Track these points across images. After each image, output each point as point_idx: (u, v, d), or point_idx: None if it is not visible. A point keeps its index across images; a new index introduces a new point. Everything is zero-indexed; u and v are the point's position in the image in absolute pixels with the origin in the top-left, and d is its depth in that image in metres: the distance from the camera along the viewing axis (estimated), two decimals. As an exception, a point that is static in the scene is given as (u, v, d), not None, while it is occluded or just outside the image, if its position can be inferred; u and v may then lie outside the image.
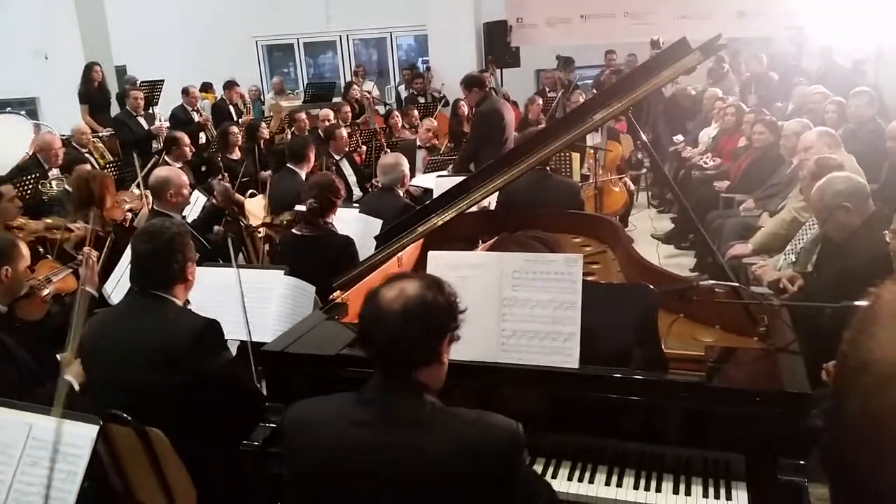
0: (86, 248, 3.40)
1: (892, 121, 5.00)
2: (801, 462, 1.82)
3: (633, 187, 6.62)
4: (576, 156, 6.07)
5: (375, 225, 3.95)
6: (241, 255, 4.65)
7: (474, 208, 3.01)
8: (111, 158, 7.15)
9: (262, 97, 11.64)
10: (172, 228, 2.46)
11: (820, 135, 4.59)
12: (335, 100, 9.87)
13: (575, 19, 10.60)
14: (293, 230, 3.85)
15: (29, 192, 5.26)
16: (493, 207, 3.93)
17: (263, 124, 7.46)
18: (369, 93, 10.44)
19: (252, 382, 2.60)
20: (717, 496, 1.93)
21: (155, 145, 7.50)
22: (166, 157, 5.91)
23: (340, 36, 13.48)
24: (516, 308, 2.14)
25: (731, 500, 1.92)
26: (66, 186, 3.94)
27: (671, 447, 2.01)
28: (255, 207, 5.29)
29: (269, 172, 6.27)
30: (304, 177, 5.18)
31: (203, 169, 6.53)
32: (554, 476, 2.05)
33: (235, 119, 8.74)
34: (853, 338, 0.67)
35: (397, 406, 1.59)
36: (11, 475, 1.92)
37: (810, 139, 4.60)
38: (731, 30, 8.76)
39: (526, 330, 2.12)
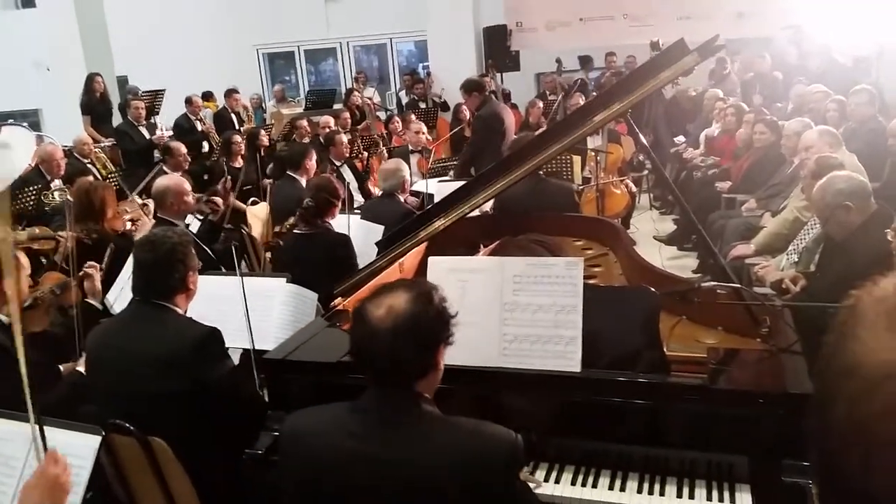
0: (91, 263, 3.42)
1: (893, 118, 4.98)
2: (805, 463, 1.81)
3: (634, 189, 6.60)
4: (577, 158, 6.07)
5: (377, 231, 3.95)
6: (243, 262, 4.66)
7: (475, 213, 3.01)
8: (113, 169, 7.17)
9: (263, 105, 11.68)
10: (174, 238, 2.47)
11: (821, 134, 4.58)
12: (336, 106, 9.90)
13: (574, 22, 10.61)
14: (293, 230, 3.90)
15: (32, 203, 5.29)
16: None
17: (263, 131, 7.48)
18: (370, 99, 10.46)
19: (254, 390, 2.60)
20: (720, 499, 1.93)
21: (157, 155, 7.52)
22: (164, 167, 5.95)
23: (341, 43, 13.51)
24: (518, 312, 2.14)
25: (734, 502, 1.91)
26: (68, 197, 3.97)
27: (674, 450, 2.00)
28: (257, 215, 5.30)
29: (269, 181, 6.28)
30: (304, 184, 5.18)
31: (205, 178, 6.55)
32: (557, 481, 2.05)
33: (238, 127, 8.77)
34: (836, 342, 0.66)
35: (393, 417, 1.58)
36: (14, 487, 1.91)
37: (811, 138, 4.59)
38: (730, 30, 8.76)
39: (528, 334, 2.12)
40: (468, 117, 7.55)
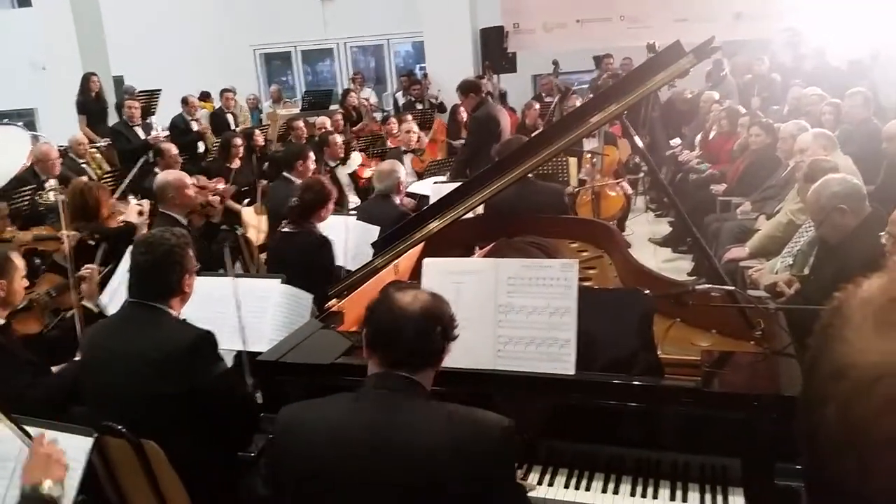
0: (89, 265, 3.41)
1: (888, 121, 4.99)
2: (798, 466, 1.81)
3: (630, 191, 6.62)
4: (573, 161, 6.07)
5: (373, 232, 3.95)
6: (237, 263, 4.66)
7: (470, 215, 3.01)
8: (108, 168, 7.16)
9: (259, 106, 11.67)
10: (171, 240, 2.45)
11: (815, 136, 4.59)
12: (333, 107, 9.89)
13: (571, 24, 10.61)
14: (280, 229, 3.91)
15: (27, 202, 5.27)
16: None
17: (258, 132, 7.47)
18: (367, 100, 10.45)
19: (248, 392, 2.59)
20: (714, 501, 1.93)
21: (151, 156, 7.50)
22: (156, 170, 5.95)
23: (338, 43, 13.50)
24: (512, 314, 2.14)
25: (728, 505, 1.91)
26: (62, 196, 3.95)
27: (668, 453, 2.00)
28: (252, 216, 5.29)
29: (265, 181, 6.27)
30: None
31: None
32: (551, 483, 2.05)
33: (234, 127, 8.76)
34: (821, 344, 0.66)
35: (394, 401, 1.63)
36: (6, 488, 1.90)
37: (806, 141, 4.60)
38: (727, 33, 8.78)
39: (522, 336, 2.12)
40: (465, 118, 7.55)
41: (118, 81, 10.62)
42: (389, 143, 7.75)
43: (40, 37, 9.99)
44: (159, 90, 8.81)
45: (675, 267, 5.76)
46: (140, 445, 2.16)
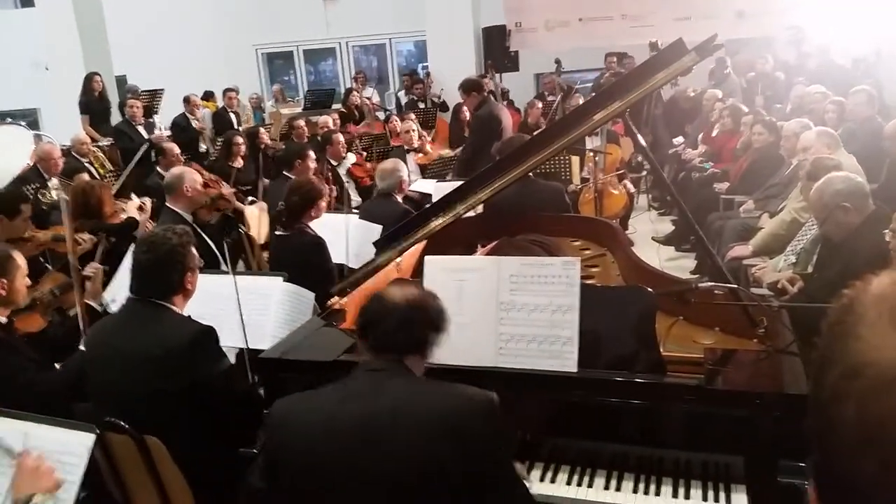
0: (93, 264, 3.42)
1: (892, 119, 4.98)
2: (801, 464, 1.81)
3: (633, 190, 6.60)
4: (575, 159, 6.07)
5: (375, 231, 3.94)
6: (240, 261, 4.66)
7: (471, 213, 3.00)
8: (111, 168, 7.17)
9: (262, 105, 11.68)
10: (174, 239, 2.45)
11: (819, 135, 4.58)
12: (335, 106, 9.89)
13: (573, 22, 10.59)
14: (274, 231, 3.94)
15: (30, 201, 5.28)
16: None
17: (262, 130, 7.48)
18: (369, 99, 10.45)
19: (250, 388, 2.59)
20: (716, 499, 1.92)
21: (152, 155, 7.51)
22: (158, 168, 5.96)
23: (340, 43, 13.50)
24: (514, 312, 2.14)
25: (730, 503, 1.91)
26: (64, 195, 3.96)
27: (670, 450, 2.00)
28: (255, 214, 5.30)
29: (267, 180, 6.28)
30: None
31: (203, 177, 6.54)
32: (553, 480, 2.04)
33: (237, 127, 8.76)
34: (832, 342, 0.65)
35: (383, 378, 1.69)
36: (8, 485, 1.91)
37: (809, 139, 4.59)
38: (730, 31, 8.76)
39: (524, 334, 2.12)
40: (468, 117, 7.55)
41: (121, 81, 10.64)
42: (392, 142, 7.75)
43: (43, 36, 10.01)
44: (162, 90, 8.83)
45: (678, 265, 5.76)
46: (143, 441, 2.17)
